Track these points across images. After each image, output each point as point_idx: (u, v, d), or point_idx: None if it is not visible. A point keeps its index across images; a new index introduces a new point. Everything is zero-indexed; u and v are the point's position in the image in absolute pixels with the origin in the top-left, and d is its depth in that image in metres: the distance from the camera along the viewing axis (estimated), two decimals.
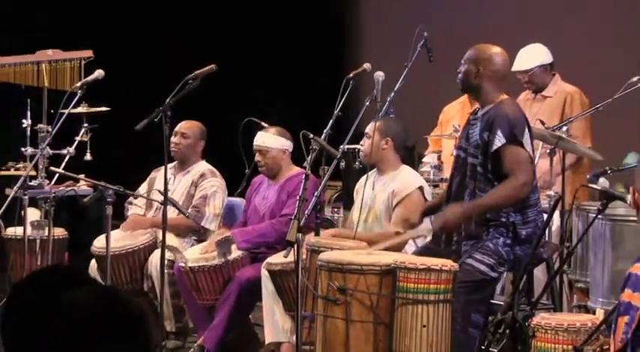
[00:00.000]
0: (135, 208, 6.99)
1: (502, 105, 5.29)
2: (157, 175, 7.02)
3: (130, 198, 6.98)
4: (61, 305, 2.19)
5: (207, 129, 7.03)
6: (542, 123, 6.40)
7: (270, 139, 6.51)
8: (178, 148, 6.87)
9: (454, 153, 5.84)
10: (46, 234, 6.57)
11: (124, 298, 2.24)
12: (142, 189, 6.97)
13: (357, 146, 6.72)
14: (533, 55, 7.20)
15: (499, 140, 5.15)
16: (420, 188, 5.97)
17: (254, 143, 6.55)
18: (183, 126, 6.89)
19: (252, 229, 6.46)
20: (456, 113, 7.55)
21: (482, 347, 5.12)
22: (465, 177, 5.31)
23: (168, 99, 5.59)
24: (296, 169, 6.50)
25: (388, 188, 6.00)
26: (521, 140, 5.16)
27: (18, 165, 7.01)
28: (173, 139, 6.84)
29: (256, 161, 6.56)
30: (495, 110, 5.26)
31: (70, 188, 6.64)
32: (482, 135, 5.23)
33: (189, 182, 6.89)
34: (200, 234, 6.80)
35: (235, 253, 6.36)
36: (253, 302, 6.40)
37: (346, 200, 7.56)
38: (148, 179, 7.07)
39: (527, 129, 5.23)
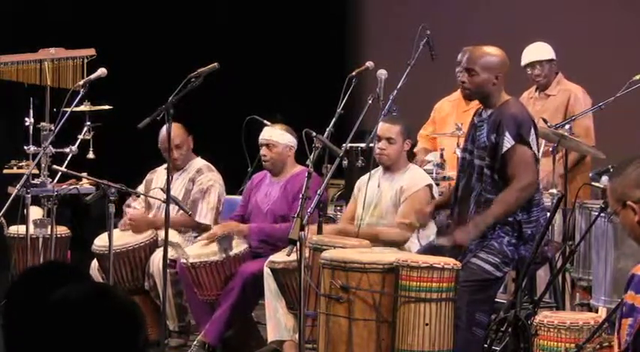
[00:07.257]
0: (134, 210, 6.97)
1: (508, 105, 5.26)
2: (153, 177, 7.02)
3: (128, 201, 6.97)
4: (52, 302, 2.21)
5: (209, 128, 7.02)
6: (545, 121, 6.39)
7: (277, 134, 6.53)
8: (180, 160, 6.81)
9: (458, 155, 5.82)
10: (49, 232, 6.57)
11: (115, 294, 2.26)
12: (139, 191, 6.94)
13: (360, 144, 6.74)
14: (546, 48, 7.20)
15: (508, 141, 5.11)
16: (429, 186, 6.00)
17: (260, 137, 6.57)
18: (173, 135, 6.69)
19: (271, 228, 6.42)
20: (450, 110, 7.52)
21: (485, 346, 5.11)
22: (470, 178, 5.28)
23: (170, 98, 5.59)
24: (299, 167, 6.52)
25: (396, 185, 6.02)
26: (528, 139, 5.14)
27: (21, 164, 7.00)
28: (173, 153, 6.59)
29: (261, 155, 6.56)
30: (501, 111, 5.23)
31: (72, 186, 6.64)
32: (489, 137, 5.19)
33: (187, 179, 6.88)
34: (199, 230, 6.78)
35: (236, 249, 6.37)
36: (256, 297, 6.39)
37: (349, 198, 7.56)
38: (144, 181, 7.06)
39: (533, 129, 5.20)
